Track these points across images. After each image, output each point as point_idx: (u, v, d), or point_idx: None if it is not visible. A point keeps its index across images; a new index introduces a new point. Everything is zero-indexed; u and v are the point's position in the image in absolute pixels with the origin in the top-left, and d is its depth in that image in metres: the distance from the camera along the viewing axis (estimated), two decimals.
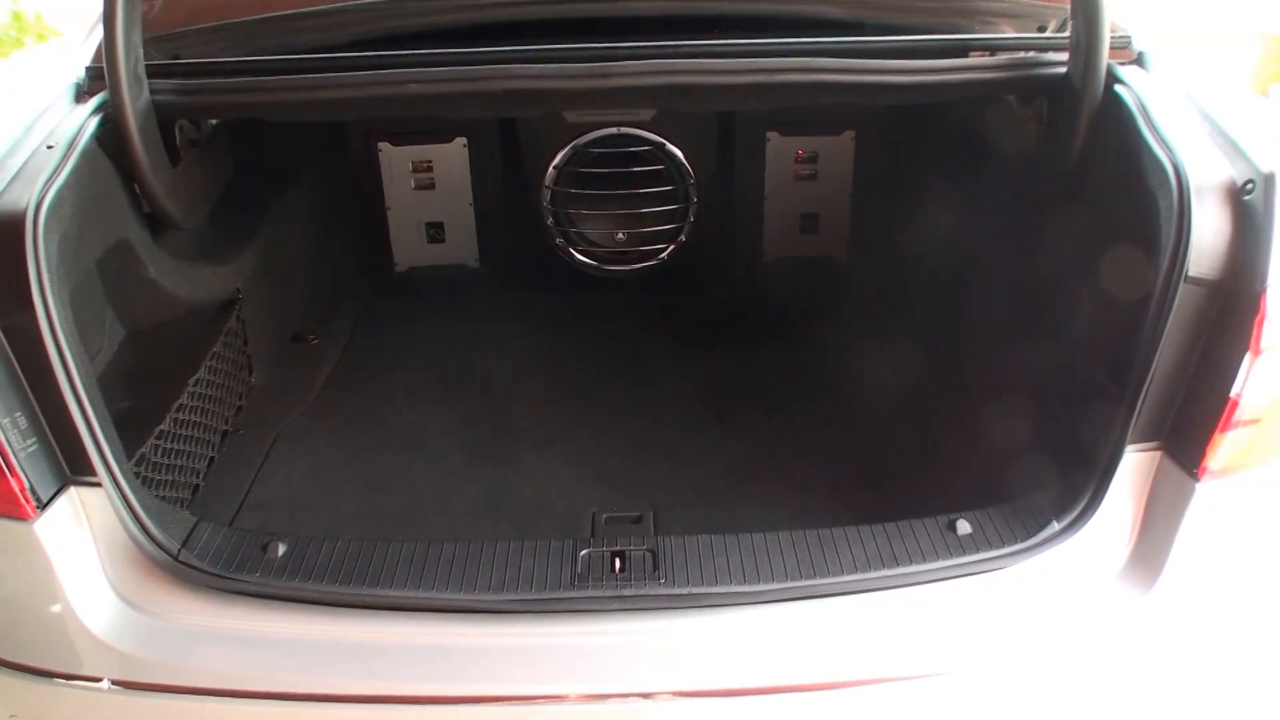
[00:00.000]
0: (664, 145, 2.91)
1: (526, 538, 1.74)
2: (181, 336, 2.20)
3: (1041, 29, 2.24)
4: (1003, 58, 2.08)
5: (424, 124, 2.89)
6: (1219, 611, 1.71)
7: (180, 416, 2.06)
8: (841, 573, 1.65)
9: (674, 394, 2.54)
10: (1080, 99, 1.91)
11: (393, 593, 1.64)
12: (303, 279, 2.84)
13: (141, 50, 1.87)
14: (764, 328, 2.85)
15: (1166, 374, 1.63)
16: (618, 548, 1.71)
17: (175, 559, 1.67)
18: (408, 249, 3.07)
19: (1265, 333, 1.53)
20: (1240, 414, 1.58)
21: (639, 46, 1.93)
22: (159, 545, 1.66)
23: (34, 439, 1.60)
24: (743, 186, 2.97)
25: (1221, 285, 1.58)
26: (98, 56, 1.93)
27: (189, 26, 2.26)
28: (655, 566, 1.67)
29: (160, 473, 1.95)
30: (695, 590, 1.63)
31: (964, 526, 1.72)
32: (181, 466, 2.05)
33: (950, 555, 1.67)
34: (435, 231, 3.06)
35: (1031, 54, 2.06)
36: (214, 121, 2.32)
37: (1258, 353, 1.54)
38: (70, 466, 1.64)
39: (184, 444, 2.07)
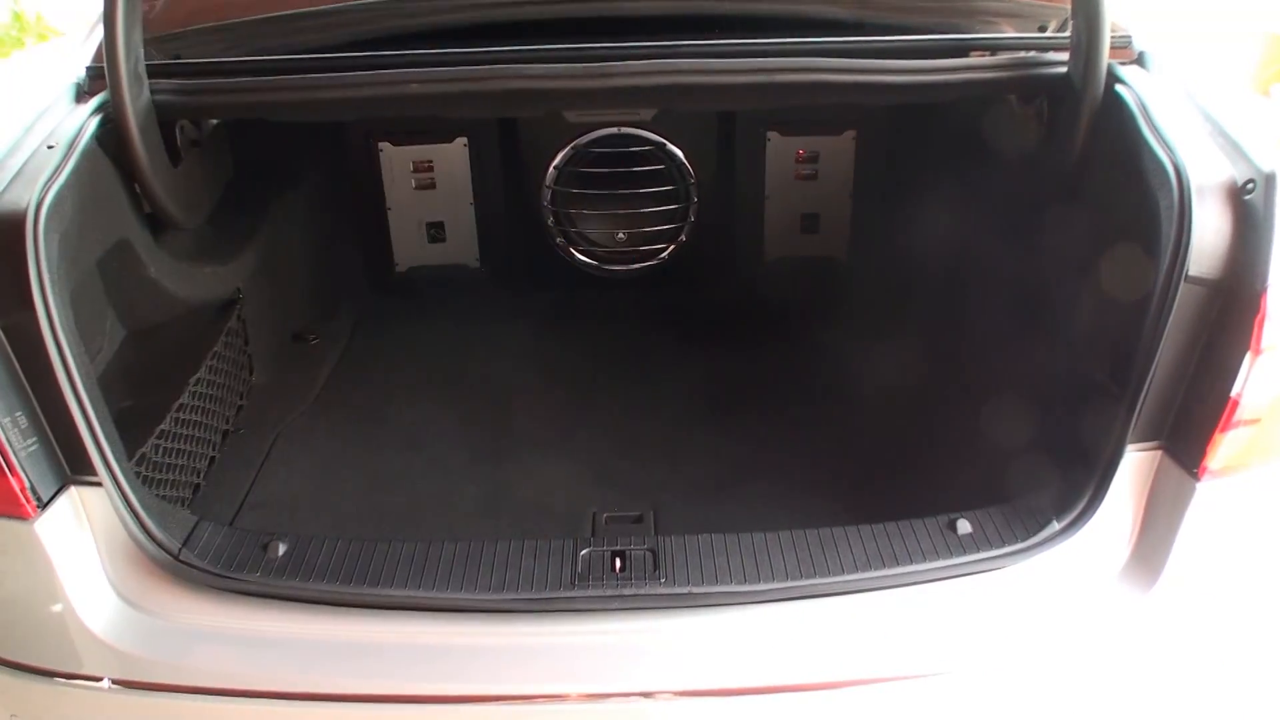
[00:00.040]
0: (664, 145, 2.91)
1: (527, 537, 1.74)
2: (182, 336, 2.21)
3: (1042, 29, 2.24)
4: (1003, 57, 2.08)
5: (424, 124, 2.89)
6: (1219, 611, 1.71)
7: (181, 416, 2.06)
8: (842, 572, 1.65)
9: (674, 393, 2.54)
10: (1081, 99, 1.91)
11: (393, 592, 1.64)
12: (303, 279, 2.84)
13: (142, 50, 1.87)
14: (764, 328, 2.85)
15: (1167, 373, 1.63)
16: (618, 547, 1.71)
17: (176, 558, 1.67)
18: (408, 249, 3.08)
19: (1266, 332, 1.53)
20: (1241, 414, 1.58)
21: (639, 46, 1.93)
22: (159, 545, 1.67)
23: (34, 438, 1.60)
24: (743, 186, 2.97)
25: (1222, 285, 1.58)
26: (98, 56, 1.93)
27: (189, 26, 2.26)
28: (655, 566, 1.67)
29: (161, 472, 1.95)
30: (695, 590, 1.63)
31: (964, 526, 1.72)
32: (182, 466, 2.05)
33: (950, 555, 1.67)
34: (436, 231, 3.06)
35: (1032, 54, 2.06)
36: (214, 121, 2.32)
37: (1258, 352, 1.54)
38: (71, 466, 1.64)
39: (184, 443, 2.08)
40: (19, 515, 1.59)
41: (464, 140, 2.91)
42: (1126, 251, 1.76)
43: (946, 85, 1.99)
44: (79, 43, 2.15)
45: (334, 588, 1.65)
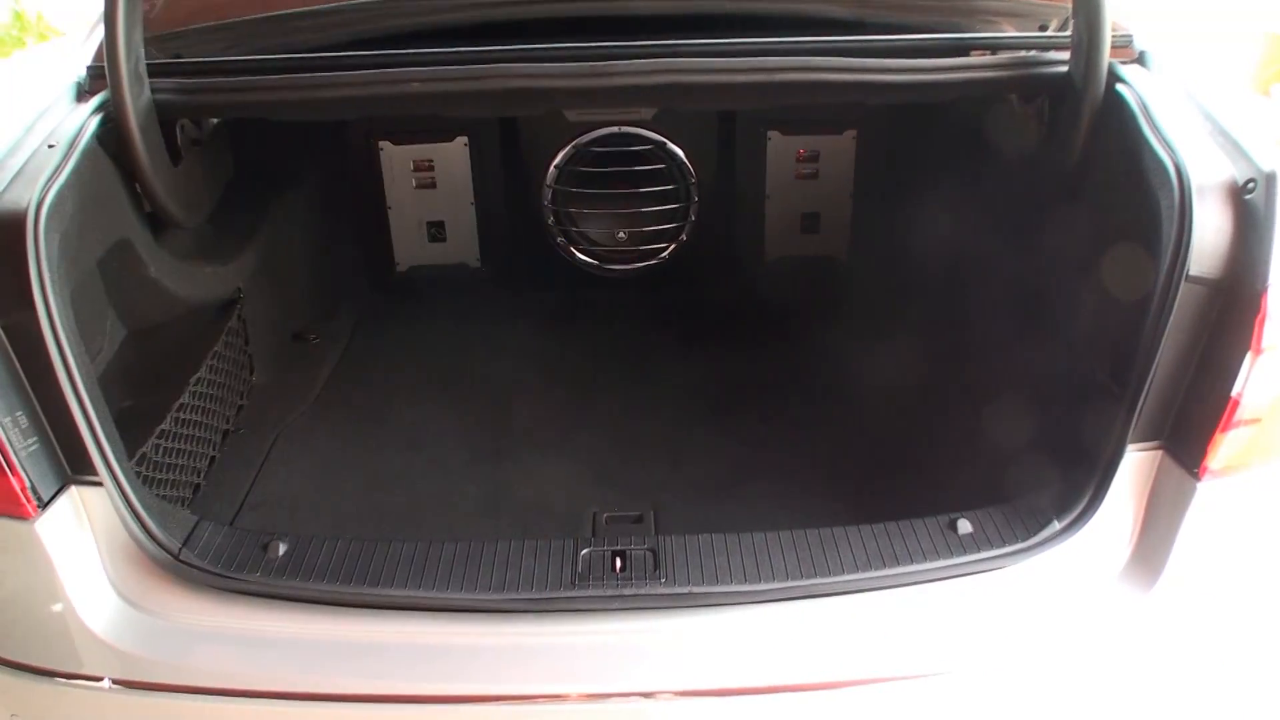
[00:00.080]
0: (665, 144, 2.91)
1: (527, 537, 1.74)
2: (182, 336, 2.21)
3: (1043, 28, 2.24)
4: (1004, 57, 2.08)
5: (425, 123, 2.89)
6: (1219, 611, 1.71)
7: (181, 416, 2.06)
8: (842, 572, 1.65)
9: (675, 393, 2.54)
10: (1081, 98, 1.91)
11: (393, 592, 1.64)
12: (304, 278, 2.84)
13: (143, 49, 1.87)
14: (765, 327, 2.85)
15: (1167, 373, 1.63)
16: (618, 547, 1.71)
17: (176, 558, 1.67)
18: (409, 248, 3.08)
19: (1266, 332, 1.53)
20: (1241, 413, 1.57)
21: (639, 46, 1.93)
22: (160, 545, 1.67)
23: (35, 438, 1.60)
24: (744, 186, 2.97)
25: (1222, 285, 1.58)
26: (99, 56, 1.93)
27: (190, 26, 2.26)
28: (656, 566, 1.67)
29: (161, 472, 1.95)
30: (696, 589, 1.63)
31: (964, 526, 1.72)
32: (182, 466, 2.05)
33: (951, 555, 1.67)
34: (436, 231, 3.06)
35: (1033, 53, 2.06)
36: (215, 121, 2.32)
37: (1259, 352, 1.54)
38: (71, 466, 1.64)
39: (185, 443, 2.08)
40: (19, 515, 1.59)
41: (464, 139, 2.91)
42: (1127, 251, 1.76)
43: (947, 84, 1.99)
44: (79, 42, 2.15)
45: (334, 588, 1.65)
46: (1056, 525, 1.69)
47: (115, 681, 1.65)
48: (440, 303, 3.03)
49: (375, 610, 1.66)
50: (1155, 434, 1.68)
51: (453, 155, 2.93)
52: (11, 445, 1.56)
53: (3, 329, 1.57)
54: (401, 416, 2.48)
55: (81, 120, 1.83)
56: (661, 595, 1.64)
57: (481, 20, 2.24)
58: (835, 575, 1.65)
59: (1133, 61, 1.99)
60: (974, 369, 2.35)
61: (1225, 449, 1.60)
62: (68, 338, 1.58)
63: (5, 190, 1.63)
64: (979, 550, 1.68)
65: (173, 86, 1.97)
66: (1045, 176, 2.14)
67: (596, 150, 2.91)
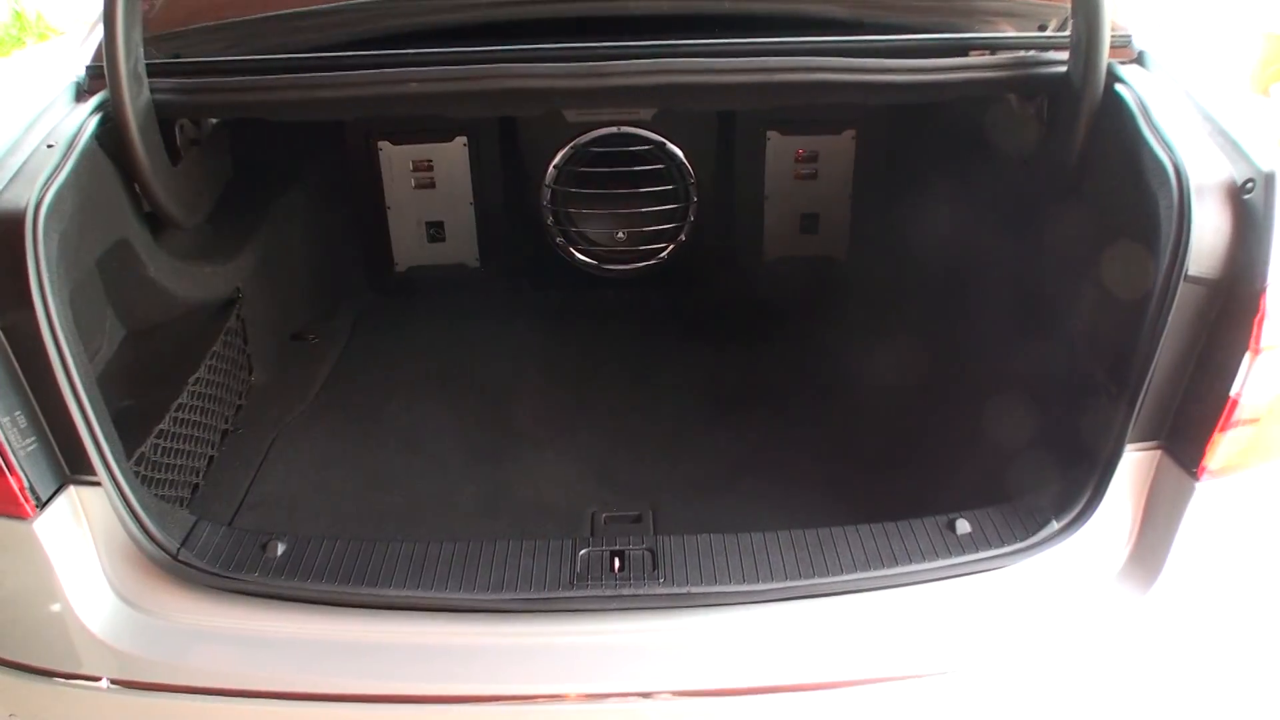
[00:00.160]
0: (664, 144, 2.91)
1: (526, 537, 1.73)
2: (181, 335, 2.20)
3: (1042, 28, 2.24)
4: (1003, 57, 2.08)
5: (424, 123, 2.89)
6: (1218, 611, 1.71)
7: (180, 415, 2.06)
8: (841, 572, 1.65)
9: (673, 393, 2.54)
10: (1080, 98, 1.91)
11: (392, 592, 1.64)
12: (303, 278, 2.84)
13: (142, 49, 1.87)
14: (764, 327, 2.85)
15: (1166, 373, 1.63)
16: (617, 547, 1.71)
17: (174, 558, 1.67)
18: (408, 248, 3.07)
19: (1265, 332, 1.53)
20: (1240, 413, 1.58)
21: (638, 46, 1.93)
22: (158, 544, 1.66)
23: (33, 438, 1.60)
24: (743, 186, 2.97)
25: (1221, 284, 1.58)
26: (98, 55, 1.93)
27: (189, 25, 2.25)
28: (654, 566, 1.67)
29: (160, 472, 1.95)
30: (694, 589, 1.63)
31: (963, 526, 1.72)
32: (181, 466, 2.05)
33: (949, 554, 1.67)
34: (435, 231, 3.06)
35: (1032, 53, 2.06)
36: (214, 121, 2.32)
37: (1257, 352, 1.54)
38: (70, 465, 1.64)
39: (183, 443, 2.07)
40: (18, 515, 1.59)
41: (464, 139, 2.91)
42: (1126, 251, 1.76)
43: (946, 84, 1.99)
44: (79, 42, 2.15)
45: (333, 588, 1.65)
46: (1055, 525, 1.69)
47: (113, 681, 1.65)
48: (439, 303, 3.03)
49: (374, 610, 1.66)
50: (1154, 434, 1.68)
51: (452, 155, 2.93)
52: (10, 445, 1.56)
53: (2, 329, 1.56)
54: (400, 416, 2.48)
55: (81, 120, 1.83)
56: (660, 595, 1.64)
57: (481, 20, 2.24)
58: (834, 575, 1.65)
59: (1132, 61, 1.99)
60: (973, 369, 2.35)
61: (1224, 449, 1.60)
62: (66, 337, 1.58)
63: (4, 190, 1.63)
64: (978, 550, 1.68)
65: (172, 86, 1.97)
66: (1044, 176, 2.14)
67: (595, 150, 2.91)
